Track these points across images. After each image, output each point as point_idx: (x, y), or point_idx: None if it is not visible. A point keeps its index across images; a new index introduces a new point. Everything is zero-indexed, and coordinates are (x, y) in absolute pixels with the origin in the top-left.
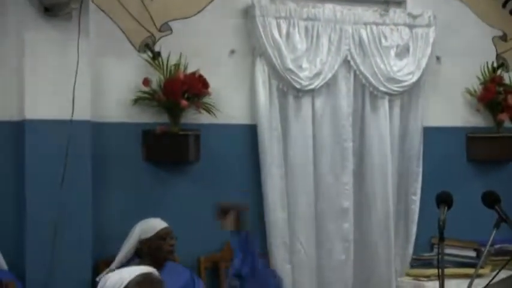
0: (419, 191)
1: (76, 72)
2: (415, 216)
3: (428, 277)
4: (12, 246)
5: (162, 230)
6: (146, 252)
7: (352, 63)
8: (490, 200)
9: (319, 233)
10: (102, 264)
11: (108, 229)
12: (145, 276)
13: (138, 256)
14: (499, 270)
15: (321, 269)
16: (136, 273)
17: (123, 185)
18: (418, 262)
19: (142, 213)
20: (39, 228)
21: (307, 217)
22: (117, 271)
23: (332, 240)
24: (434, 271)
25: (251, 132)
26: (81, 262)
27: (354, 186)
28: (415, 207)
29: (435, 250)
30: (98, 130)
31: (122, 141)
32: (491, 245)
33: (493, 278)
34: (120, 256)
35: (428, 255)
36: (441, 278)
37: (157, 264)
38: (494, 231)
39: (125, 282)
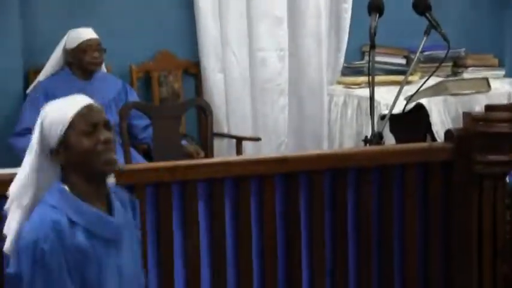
0: None
1: None
2: (347, 24)
3: (359, 85)
4: None
5: (84, 41)
6: (72, 62)
7: None
8: (421, 6)
9: (252, 40)
10: (32, 73)
11: (38, 38)
12: (87, 108)
13: (68, 65)
14: (428, 77)
15: (254, 78)
16: (76, 109)
17: None
18: (349, 70)
19: (72, 21)
20: None
21: (239, 24)
22: (54, 108)
23: (266, 49)
24: (365, 79)
25: None
26: (12, 72)
27: None
28: (347, 16)
29: (366, 58)
30: None
31: None
32: (421, 52)
33: (422, 85)
34: (48, 66)
35: (359, 63)
36: (371, 85)
37: (84, 74)
38: (425, 38)
39: (68, 120)
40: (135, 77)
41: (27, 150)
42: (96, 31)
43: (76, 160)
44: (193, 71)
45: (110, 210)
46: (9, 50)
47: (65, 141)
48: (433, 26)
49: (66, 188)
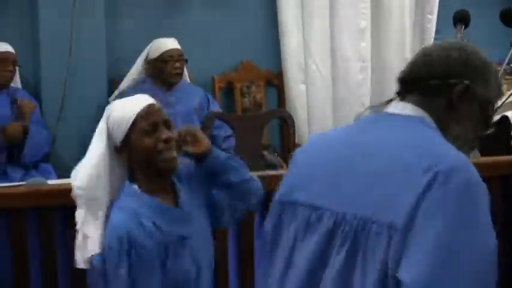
0: (436, 10)
1: None
2: (431, 36)
3: None
4: (27, 65)
5: (166, 52)
6: (152, 73)
7: None
8: (509, 17)
9: (335, 51)
10: (116, 83)
11: (123, 48)
12: (147, 109)
13: (150, 75)
14: None
15: (337, 89)
16: (138, 109)
17: (137, 3)
18: None
19: (155, 32)
20: (54, 47)
21: (322, 35)
22: (117, 107)
23: (349, 60)
24: None
25: None
26: (96, 81)
27: (371, 5)
28: (431, 26)
29: None
30: None
31: None
32: (508, 64)
33: (508, 97)
34: (130, 75)
35: None
36: None
37: (166, 85)
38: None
39: (130, 120)
40: (217, 87)
41: (94, 146)
42: (180, 41)
43: (138, 158)
44: (276, 82)
45: (176, 199)
46: (95, 58)
47: (127, 140)
48: None
49: (136, 186)
